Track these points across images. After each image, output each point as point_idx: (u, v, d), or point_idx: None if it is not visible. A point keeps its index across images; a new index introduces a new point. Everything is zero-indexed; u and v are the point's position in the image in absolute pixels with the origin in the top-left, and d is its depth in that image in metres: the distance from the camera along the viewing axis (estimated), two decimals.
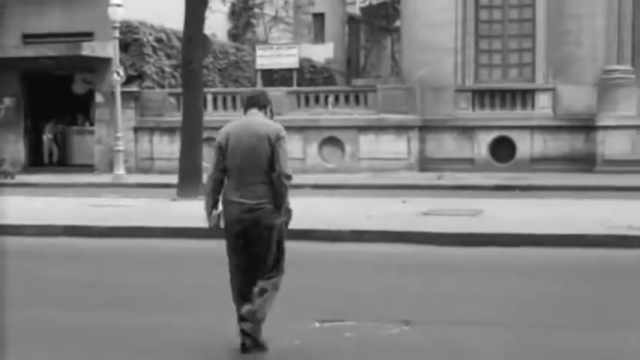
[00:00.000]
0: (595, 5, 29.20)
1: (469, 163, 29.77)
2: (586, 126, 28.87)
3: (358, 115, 30.20)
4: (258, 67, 33.51)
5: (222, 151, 7.23)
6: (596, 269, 11.04)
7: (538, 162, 29.32)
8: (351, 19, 50.96)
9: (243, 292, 7.23)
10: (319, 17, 47.96)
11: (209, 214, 7.33)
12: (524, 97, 29.86)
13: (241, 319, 7.09)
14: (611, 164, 28.09)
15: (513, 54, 30.51)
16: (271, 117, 7.49)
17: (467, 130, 29.90)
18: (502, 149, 29.82)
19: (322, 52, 45.52)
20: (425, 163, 29.99)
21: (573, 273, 10.77)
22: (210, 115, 29.45)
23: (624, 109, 28.37)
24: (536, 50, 29.97)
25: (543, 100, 29.64)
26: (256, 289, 7.13)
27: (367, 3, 52.50)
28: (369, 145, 29.98)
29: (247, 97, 7.57)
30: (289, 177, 7.15)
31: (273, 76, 35.81)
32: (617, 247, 12.30)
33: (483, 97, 30.14)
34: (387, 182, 26.19)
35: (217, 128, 26.99)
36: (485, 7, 30.53)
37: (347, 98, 30.68)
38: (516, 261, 11.70)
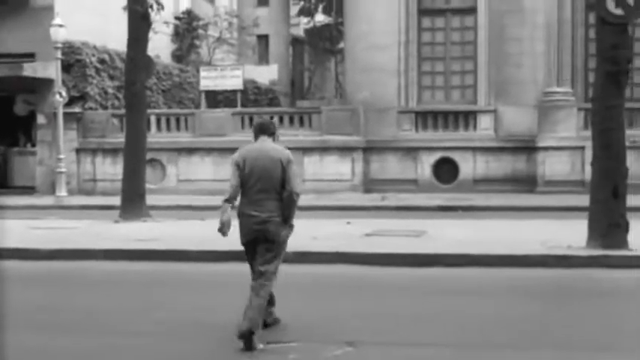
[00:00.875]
0: (535, 28, 29.66)
1: (413, 184, 29.96)
2: (527, 147, 29.25)
3: (302, 136, 30.25)
4: (202, 88, 33.45)
5: (238, 167, 8.56)
6: (538, 289, 11.17)
7: (481, 183, 29.61)
8: (295, 41, 51.26)
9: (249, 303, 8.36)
10: (263, 39, 48.12)
11: (224, 211, 8.56)
12: (466, 118, 30.18)
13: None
14: (551, 185, 28.48)
15: (456, 76, 30.84)
16: (277, 141, 8.80)
17: (410, 152, 30.10)
18: (445, 170, 30.06)
19: (266, 74, 45.65)
20: (369, 185, 30.13)
21: (515, 293, 10.88)
22: (153, 137, 29.33)
23: (564, 130, 28.79)
24: (478, 72, 30.35)
25: (485, 122, 29.98)
26: (253, 291, 8.43)
27: (311, 25, 52.85)
28: (313, 166, 30.02)
29: (258, 124, 8.83)
30: (298, 194, 8.50)
31: (217, 97, 35.79)
32: (557, 266, 12.46)
33: (426, 118, 30.40)
34: (332, 203, 26.22)
35: (161, 150, 27.02)
36: (428, 29, 30.87)
37: (291, 119, 30.73)
38: (459, 281, 11.79)
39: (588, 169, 27.93)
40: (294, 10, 53.03)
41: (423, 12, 30.91)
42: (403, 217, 21.62)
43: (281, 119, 30.69)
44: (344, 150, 29.91)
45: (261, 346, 8.05)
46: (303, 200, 27.59)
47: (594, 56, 29.78)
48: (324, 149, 29.95)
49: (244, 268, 12.71)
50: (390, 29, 30.45)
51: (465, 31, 30.67)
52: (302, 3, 53.22)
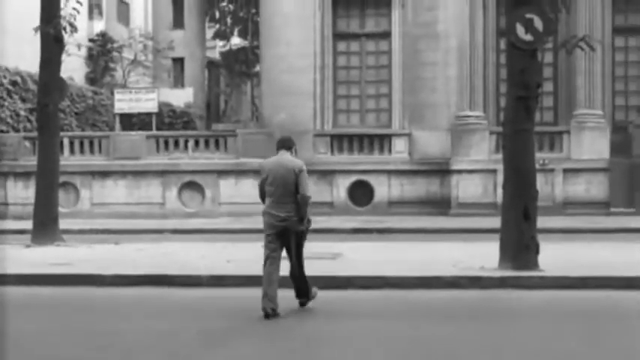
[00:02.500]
0: (448, 53, 30.17)
1: (329, 207, 30.09)
2: (441, 170, 29.65)
3: (218, 159, 30.22)
4: (116, 111, 33.17)
5: (263, 175, 11.01)
6: (449, 310, 11.31)
7: (395, 205, 29.90)
8: (211, 64, 51.17)
9: (268, 277, 10.82)
10: (179, 61, 47.86)
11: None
12: (381, 141, 30.47)
13: (265, 295, 10.65)
14: (464, 207, 28.90)
15: (371, 99, 31.20)
16: (295, 154, 11.16)
17: (326, 174, 30.25)
18: (361, 193, 30.29)
19: (182, 97, 45.43)
20: None
21: (427, 314, 11.00)
22: (67, 160, 28.99)
23: (476, 153, 29.27)
24: (392, 96, 30.74)
25: (400, 145, 30.32)
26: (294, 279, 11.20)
27: (227, 48, 52.84)
28: (229, 189, 29.99)
29: (280, 140, 11.32)
30: (309, 197, 10.76)
31: (132, 120, 35.50)
32: (469, 288, 12.64)
33: (342, 141, 30.62)
34: (248, 227, 26.13)
35: (75, 173, 26.64)
36: (344, 53, 31.18)
37: (207, 142, 30.66)
38: (372, 303, 11.88)
39: (500, 191, 28.42)
40: (210, 33, 52.99)
41: (338, 36, 31.24)
42: (319, 239, 21.61)
43: (196, 142, 30.64)
44: (259, 173, 29.82)
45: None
46: (218, 224, 27.56)
47: (506, 81, 30.73)
48: (240, 172, 29.94)
49: (157, 292, 12.76)
50: (306, 53, 30.67)
51: (380, 55, 31.06)
52: (218, 26, 53.27)
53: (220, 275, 13.38)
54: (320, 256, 15.63)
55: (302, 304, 11.30)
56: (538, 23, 13.21)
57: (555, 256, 14.99)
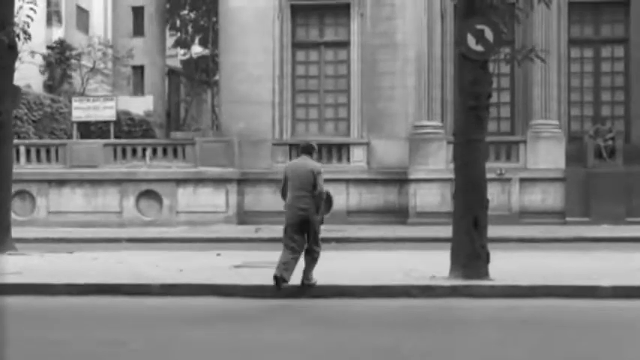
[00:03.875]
0: (407, 63, 30.31)
1: None
2: (399, 179, 29.77)
3: (176, 167, 30.14)
4: (74, 119, 32.93)
5: (285, 176, 13.09)
6: (398, 319, 11.35)
7: (354, 214, 29.98)
8: (172, 72, 51.04)
9: (285, 260, 12.86)
10: (139, 69, 47.70)
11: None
12: (339, 150, 30.55)
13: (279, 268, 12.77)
14: (422, 216, 29.03)
15: (329, 109, 31.27)
16: (315, 158, 13.33)
17: None
18: None
19: (142, 105, 45.27)
20: (244, 216, 30.15)
21: (375, 323, 11.02)
22: (23, 168, 28.79)
23: (434, 162, 29.42)
24: (351, 105, 30.85)
25: (358, 154, 30.41)
26: (307, 257, 13.10)
27: (187, 56, 52.73)
28: (187, 198, 29.92)
29: (302, 146, 13.34)
30: (325, 193, 13.08)
31: (90, 128, 35.28)
32: (420, 297, 12.69)
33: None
34: (205, 235, 26.13)
35: (31, 181, 26.36)
36: (302, 62, 31.25)
37: (165, 151, 30.57)
38: (320, 311, 11.89)
39: None
40: (171, 41, 52.87)
41: (297, 45, 31.30)
42: (277, 249, 21.71)
43: (154, 151, 30.54)
44: (218, 182, 29.90)
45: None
46: (176, 233, 27.35)
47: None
48: (198, 181, 29.89)
49: (107, 301, 12.68)
50: (265, 62, 30.70)
51: (339, 64, 31.17)
52: (179, 34, 53.15)
53: (171, 284, 13.32)
54: (272, 266, 15.58)
55: (302, 283, 13.05)
56: (489, 34, 13.31)
57: (507, 265, 15.12)
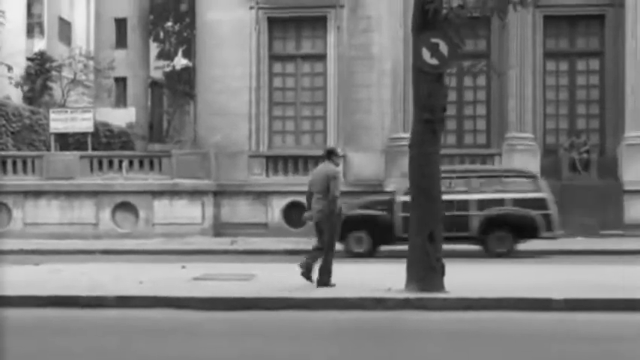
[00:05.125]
0: (383, 75, 30.41)
1: (263, 228, 30.17)
2: (375, 191, 29.77)
3: (153, 179, 30.16)
4: (51, 130, 32.92)
5: (309, 181, 14.55)
6: (343, 331, 11.38)
7: None
8: (154, 84, 51.06)
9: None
10: (121, 81, 47.73)
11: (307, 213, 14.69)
12: (316, 163, 30.25)
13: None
14: None
15: (306, 121, 31.35)
16: (336, 163, 14.52)
17: (261, 196, 30.35)
18: (296, 214, 30.29)
19: (124, 116, 45.32)
20: (220, 228, 30.19)
21: (329, 336, 11.06)
22: None
23: None
24: (327, 118, 30.94)
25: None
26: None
27: (170, 68, 52.79)
28: (163, 210, 29.93)
29: (324, 152, 14.73)
30: (337, 196, 14.05)
31: (68, 140, 35.29)
32: (374, 309, 12.73)
33: (277, 162, 30.74)
34: (180, 247, 26.19)
35: (7, 192, 26.32)
36: (279, 74, 31.35)
37: (141, 163, 30.59)
38: (274, 324, 11.92)
39: None
40: (154, 52, 52.92)
41: (274, 57, 31.41)
42: (251, 260, 21.77)
43: (131, 163, 30.56)
44: (194, 194, 29.93)
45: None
46: (151, 245, 27.32)
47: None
48: (174, 193, 29.92)
49: (61, 313, 12.69)
50: (242, 74, 30.78)
51: (316, 77, 31.27)
52: (162, 46, 53.20)
53: (128, 296, 13.33)
54: (234, 278, 15.67)
55: (318, 283, 14.24)
56: (443, 48, 13.39)
57: (469, 278, 15.19)
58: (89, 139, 32.73)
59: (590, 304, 12.63)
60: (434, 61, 13.43)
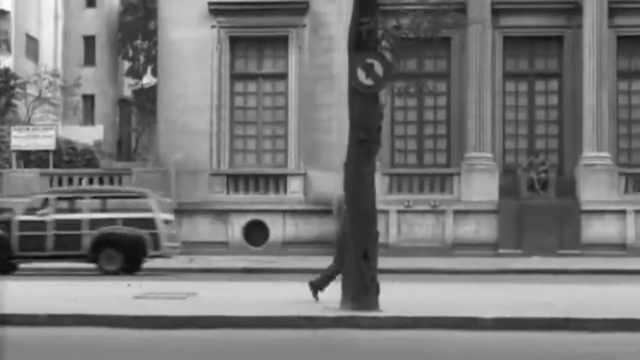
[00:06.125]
0: (343, 95, 30.29)
1: (224, 246, 30.23)
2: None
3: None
4: (13, 148, 32.87)
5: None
6: (282, 350, 11.40)
7: (290, 245, 30.09)
8: (123, 102, 51.05)
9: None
10: (89, 98, 47.71)
11: None
12: (277, 181, 30.72)
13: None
14: None
15: (267, 140, 31.46)
16: None
17: (221, 214, 30.40)
18: (256, 232, 30.46)
19: (92, 134, 45.25)
20: (180, 247, 30.08)
21: (257, 354, 11.07)
22: None
23: None
24: (288, 137, 31.04)
25: (295, 185, 30.58)
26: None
27: (139, 86, 52.81)
28: None
29: None
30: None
31: (30, 157, 35.20)
32: (306, 327, 12.71)
33: (238, 181, 30.81)
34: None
35: None
36: (240, 94, 31.47)
37: (101, 181, 30.56)
38: (206, 343, 11.91)
39: (392, 232, 29.20)
40: (123, 70, 52.95)
41: (235, 76, 31.54)
42: (207, 279, 21.76)
43: (91, 180, 30.52)
44: None
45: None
46: None
47: (400, 123, 31.34)
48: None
49: None
50: (203, 93, 30.89)
51: (277, 96, 31.42)
52: (131, 64, 53.22)
53: (59, 314, 13.29)
54: (173, 296, 15.67)
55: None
56: (378, 68, 13.50)
57: (407, 297, 15.29)
58: (51, 157, 32.66)
59: (520, 323, 12.71)
60: (369, 82, 13.54)
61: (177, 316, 13.17)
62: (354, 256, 13.59)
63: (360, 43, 13.55)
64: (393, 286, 17.00)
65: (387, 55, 13.73)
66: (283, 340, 12.12)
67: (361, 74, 13.51)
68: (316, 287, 14.94)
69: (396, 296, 14.09)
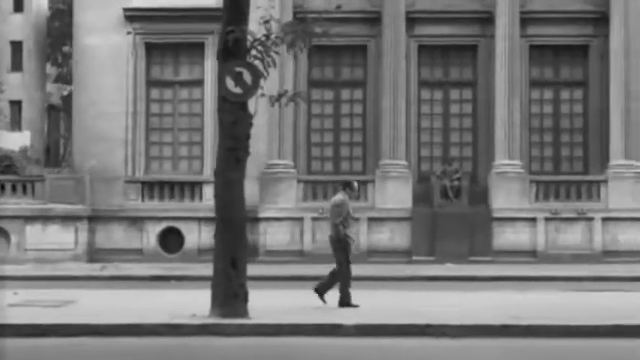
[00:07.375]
0: (259, 101, 30.44)
1: (139, 254, 30.07)
2: (250, 217, 29.78)
3: (25, 204, 29.88)
4: None
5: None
6: (137, 358, 11.41)
7: (206, 252, 29.79)
8: (52, 108, 50.61)
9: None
10: (16, 104, 47.24)
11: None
12: (192, 188, 30.64)
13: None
14: (272, 254, 29.25)
15: (183, 147, 31.37)
16: (351, 195, 16.09)
17: (136, 221, 30.24)
18: (171, 240, 30.35)
19: (19, 140, 44.76)
20: (95, 254, 29.98)
21: None
22: None
23: (284, 201, 29.70)
24: (204, 144, 30.97)
25: (210, 192, 30.40)
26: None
27: (67, 92, 52.35)
28: (36, 235, 29.68)
29: (341, 183, 16.43)
30: (337, 224, 15.31)
31: None
32: (168, 335, 12.74)
33: (153, 188, 30.66)
34: (50, 273, 25.87)
35: None
36: (156, 100, 31.37)
37: (14, 187, 30.27)
38: (65, 351, 11.86)
39: (307, 239, 29.25)
40: (52, 76, 52.53)
41: (151, 83, 31.42)
42: (115, 287, 21.62)
43: (3, 187, 30.23)
44: (67, 219, 29.72)
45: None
46: (22, 270, 26.65)
47: (316, 131, 31.41)
48: (47, 218, 29.70)
49: None
50: (118, 99, 30.74)
51: (193, 103, 31.35)
52: (59, 70, 52.82)
53: None
54: (49, 304, 15.58)
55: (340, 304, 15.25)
56: (247, 77, 13.58)
57: (280, 304, 15.38)
58: None
59: (381, 330, 12.83)
60: (238, 90, 13.61)
61: (40, 325, 13.10)
62: (223, 263, 13.66)
63: (229, 51, 13.61)
64: (296, 293, 17.27)
65: (258, 64, 13.76)
66: (143, 348, 12.13)
67: (230, 83, 13.57)
68: (321, 292, 15.53)
69: (276, 303, 14.15)
